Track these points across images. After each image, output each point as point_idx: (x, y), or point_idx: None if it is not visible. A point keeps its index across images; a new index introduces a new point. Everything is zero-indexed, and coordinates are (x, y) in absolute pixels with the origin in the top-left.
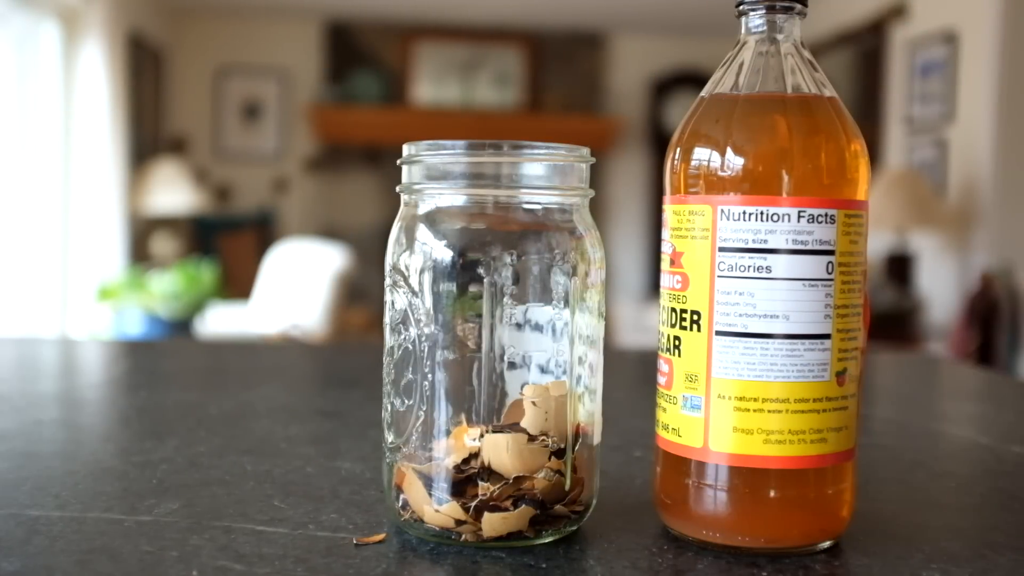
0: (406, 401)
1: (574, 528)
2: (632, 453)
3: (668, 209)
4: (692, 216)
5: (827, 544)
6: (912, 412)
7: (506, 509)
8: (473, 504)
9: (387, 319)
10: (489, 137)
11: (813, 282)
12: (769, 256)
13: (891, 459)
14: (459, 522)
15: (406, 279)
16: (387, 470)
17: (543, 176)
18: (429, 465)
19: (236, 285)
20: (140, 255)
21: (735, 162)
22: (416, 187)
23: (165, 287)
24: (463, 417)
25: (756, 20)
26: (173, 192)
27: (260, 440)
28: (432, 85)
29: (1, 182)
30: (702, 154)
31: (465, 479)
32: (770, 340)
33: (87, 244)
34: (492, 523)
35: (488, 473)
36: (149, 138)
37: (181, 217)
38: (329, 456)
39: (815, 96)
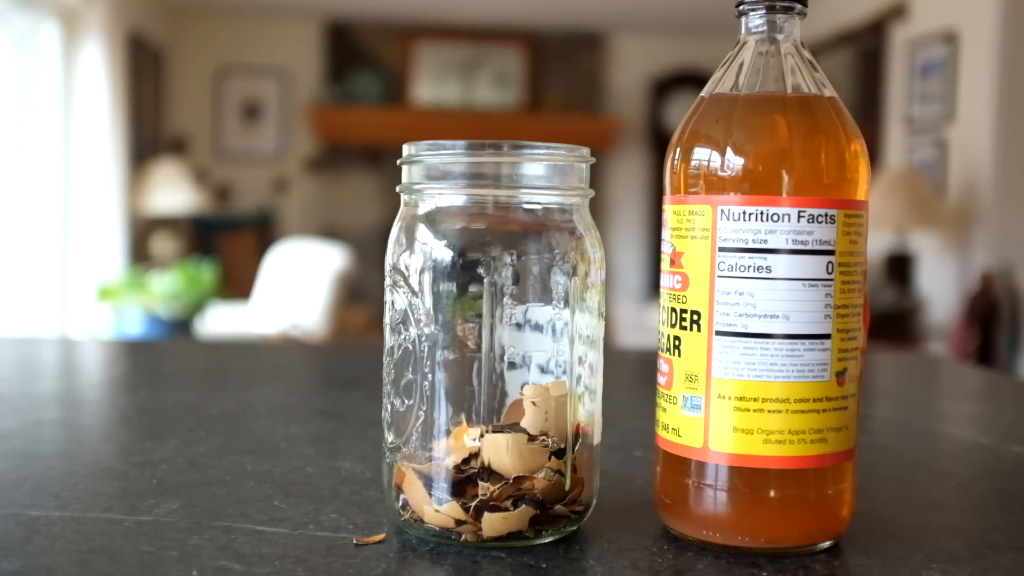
0: (406, 401)
1: (574, 528)
2: (632, 453)
3: (668, 209)
4: (692, 216)
5: (827, 544)
6: (912, 412)
7: (506, 509)
8: (473, 504)
9: (387, 319)
10: (489, 137)
11: (813, 282)
12: (769, 256)
13: (891, 459)
14: (459, 522)
15: (406, 279)
16: (387, 470)
17: (543, 176)
18: (429, 465)
19: (236, 285)
20: (140, 255)
21: (735, 162)
22: (416, 187)
23: (165, 287)
24: (463, 417)
25: (756, 20)
26: (173, 192)
27: (260, 440)
28: (432, 85)
29: (1, 182)
30: (702, 154)
31: (465, 479)
32: (770, 340)
33: (87, 244)
34: (492, 523)
35: (488, 473)
36: (149, 138)
37: (181, 217)
38: (329, 456)
39: (815, 96)
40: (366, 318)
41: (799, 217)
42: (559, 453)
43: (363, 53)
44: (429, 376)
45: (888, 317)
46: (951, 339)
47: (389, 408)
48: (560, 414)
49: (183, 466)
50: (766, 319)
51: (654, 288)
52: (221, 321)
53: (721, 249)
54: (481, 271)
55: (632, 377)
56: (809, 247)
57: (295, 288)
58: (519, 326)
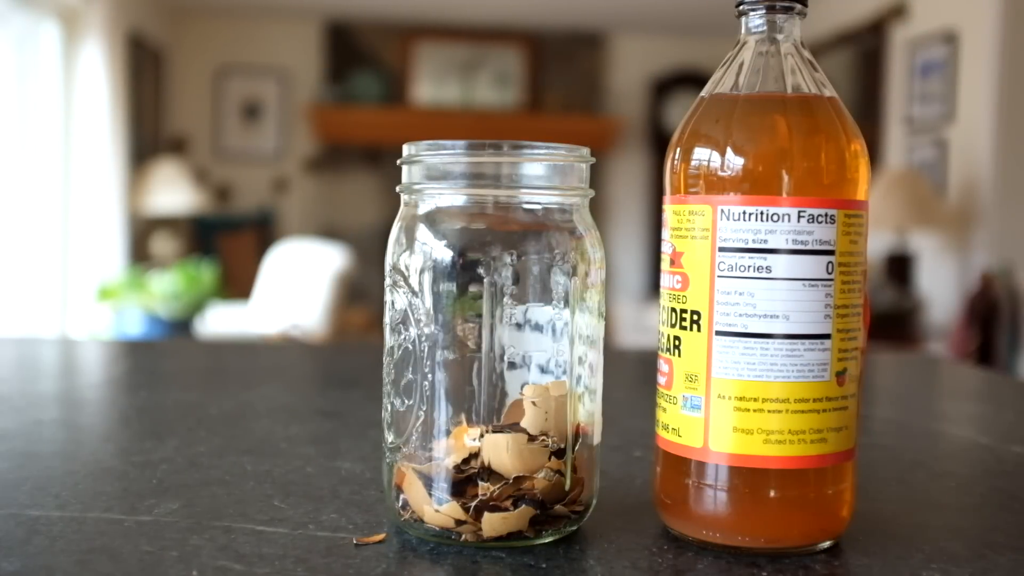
0: (406, 401)
1: (574, 528)
2: (632, 453)
3: (668, 209)
4: (692, 216)
5: (827, 544)
6: (912, 412)
7: (506, 509)
8: (473, 504)
9: (387, 319)
10: (489, 137)
11: (813, 282)
12: (769, 256)
13: (891, 459)
14: (459, 522)
15: (406, 279)
16: (387, 470)
17: (543, 176)
18: (429, 465)
19: (236, 285)
20: (140, 255)
21: (735, 162)
22: (416, 187)
23: (165, 287)
24: (463, 417)
25: (756, 20)
26: (173, 192)
27: (260, 440)
28: (432, 85)
29: (1, 182)
30: (702, 154)
31: (465, 479)
32: (770, 340)
33: (87, 244)
34: (492, 523)
35: (488, 473)
36: (149, 138)
37: (181, 217)
38: (329, 456)
39: (815, 96)
40: (366, 318)
41: (799, 217)
42: (559, 453)
43: (363, 53)
44: (429, 376)
45: (888, 317)
46: (951, 339)
47: (389, 408)
48: (560, 414)
49: (183, 466)
50: (766, 319)
51: (654, 288)
52: (221, 321)
53: (721, 249)
54: (481, 271)
55: (632, 377)
56: (809, 247)
57: (295, 288)
58: (519, 326)
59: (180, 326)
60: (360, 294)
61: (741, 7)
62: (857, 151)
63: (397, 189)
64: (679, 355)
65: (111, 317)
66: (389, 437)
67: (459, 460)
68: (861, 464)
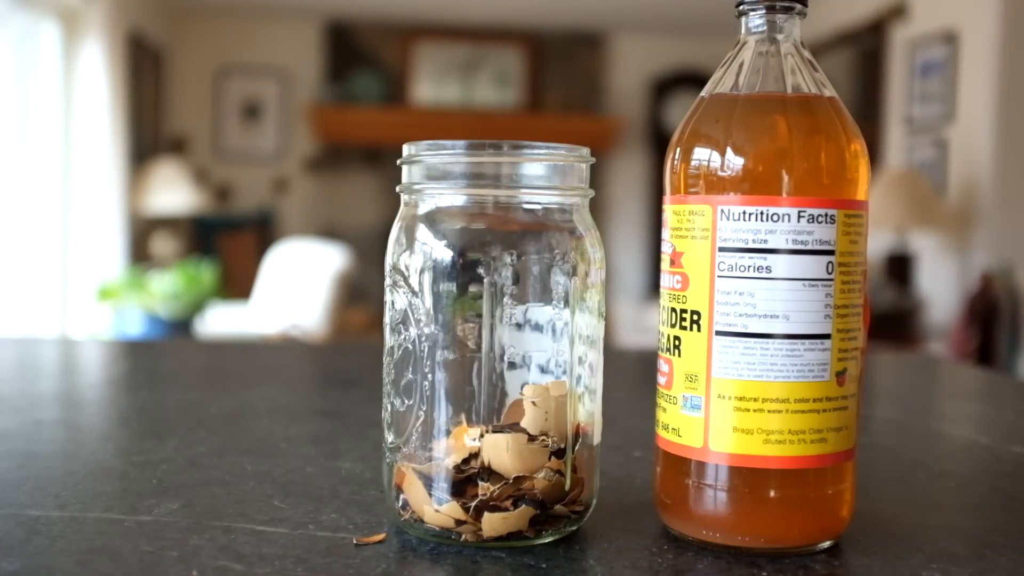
0: (406, 401)
1: (574, 528)
2: (632, 453)
3: (668, 209)
4: (692, 216)
5: (827, 544)
6: (912, 412)
7: (506, 509)
8: (473, 504)
9: (387, 319)
10: (489, 137)
11: (813, 282)
12: (769, 256)
13: (891, 459)
14: (459, 522)
15: (406, 279)
16: (387, 470)
17: (543, 176)
18: (429, 465)
19: (236, 285)
20: (140, 255)
21: (735, 162)
22: (416, 187)
23: (165, 287)
24: (463, 417)
25: (756, 20)
26: (173, 192)
27: (260, 440)
28: (432, 85)
29: (1, 182)
30: (702, 154)
31: (465, 479)
32: (770, 340)
33: (87, 244)
34: (492, 523)
35: (488, 473)
36: (149, 138)
37: (181, 217)
38: (329, 456)
39: (815, 96)
40: (366, 318)
41: (799, 217)
42: (559, 453)
43: (363, 53)
44: (429, 376)
45: (888, 317)
46: (951, 339)
47: (389, 408)
48: (560, 414)
49: (183, 466)
50: (766, 319)
51: (654, 288)
52: (221, 321)
53: (721, 249)
54: (481, 271)
55: (632, 377)
56: (809, 247)
57: (295, 288)
58: (519, 326)
59: (180, 326)
60: (360, 294)
61: (741, 7)
62: (857, 151)
63: (397, 189)
64: (679, 355)
65: (111, 317)
66: (389, 437)
67: (459, 460)
68: (861, 464)
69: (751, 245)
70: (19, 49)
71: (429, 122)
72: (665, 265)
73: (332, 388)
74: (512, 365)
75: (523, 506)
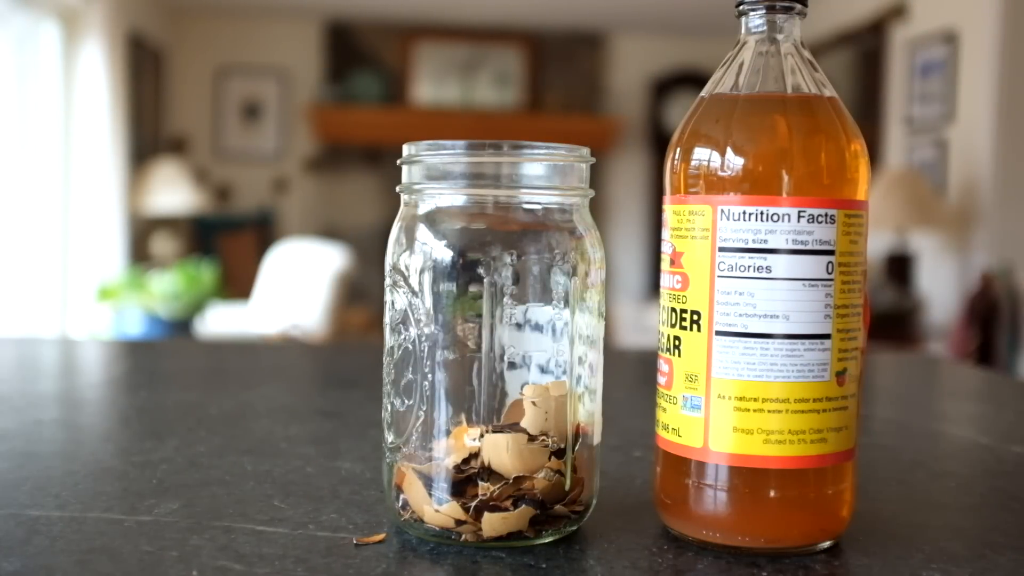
0: (406, 401)
1: (574, 528)
2: (632, 453)
3: (668, 209)
4: (692, 216)
5: (827, 544)
6: (912, 412)
7: (506, 509)
8: (473, 504)
9: (387, 319)
10: (489, 137)
11: (813, 282)
12: (769, 256)
13: (891, 459)
14: (459, 522)
15: (406, 279)
16: (387, 470)
17: (543, 176)
18: (429, 465)
19: (236, 285)
20: (140, 255)
21: (735, 162)
22: (416, 187)
23: (165, 287)
24: (463, 417)
25: (756, 20)
26: (173, 192)
27: (260, 440)
28: (432, 85)
29: (1, 182)
30: (702, 154)
31: (465, 479)
32: (770, 340)
33: (87, 244)
34: (492, 523)
35: (488, 473)
36: (149, 138)
37: (181, 217)
38: (329, 456)
39: (815, 96)
40: (366, 318)
41: (799, 217)
42: (559, 453)
43: (363, 53)
44: (429, 376)
45: (888, 317)
46: (951, 339)
47: (389, 408)
48: (560, 414)
49: (183, 466)
50: (766, 319)
51: (654, 288)
52: (221, 321)
53: (721, 249)
54: (481, 271)
55: (632, 377)
56: (809, 247)
57: (295, 288)
58: (519, 326)
59: (180, 326)
60: (360, 294)
61: (741, 7)
62: (857, 151)
63: (397, 189)
64: (679, 355)
65: (111, 317)
66: (389, 437)
67: (459, 460)
68: (861, 464)
69: (751, 245)
70: (19, 49)
71: (429, 122)
72: (665, 265)
73: (332, 388)
74: (512, 365)
75: (523, 506)
